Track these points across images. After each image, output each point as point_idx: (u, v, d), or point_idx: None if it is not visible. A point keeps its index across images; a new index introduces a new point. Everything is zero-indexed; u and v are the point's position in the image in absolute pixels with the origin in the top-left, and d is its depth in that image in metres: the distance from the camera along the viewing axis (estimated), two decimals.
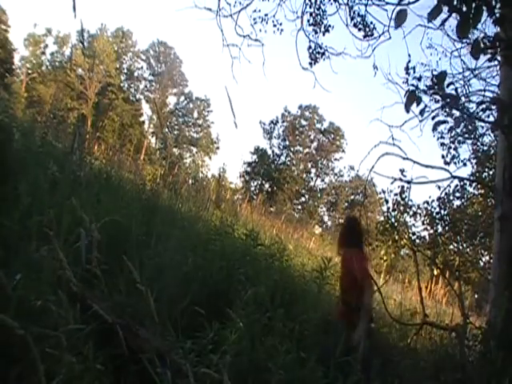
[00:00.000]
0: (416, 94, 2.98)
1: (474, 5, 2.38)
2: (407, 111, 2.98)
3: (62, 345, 2.16)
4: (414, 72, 5.11)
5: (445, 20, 2.64)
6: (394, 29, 2.51)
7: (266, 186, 49.96)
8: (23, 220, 3.06)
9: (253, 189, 45.58)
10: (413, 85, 4.20)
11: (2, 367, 2.02)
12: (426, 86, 3.71)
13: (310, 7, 8.23)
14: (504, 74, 4.21)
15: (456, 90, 3.96)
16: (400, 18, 2.53)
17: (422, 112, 3.16)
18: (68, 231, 2.91)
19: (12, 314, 2.11)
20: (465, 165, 9.27)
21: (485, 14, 2.52)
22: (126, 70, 54.81)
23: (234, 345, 2.91)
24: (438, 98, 3.74)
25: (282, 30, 8.77)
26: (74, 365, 2.19)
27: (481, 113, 4.48)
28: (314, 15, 8.28)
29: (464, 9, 2.39)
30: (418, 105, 3.02)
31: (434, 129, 3.47)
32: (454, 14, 2.49)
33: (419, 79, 4.54)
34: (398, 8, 2.66)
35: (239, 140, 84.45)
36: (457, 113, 3.81)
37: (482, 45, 2.81)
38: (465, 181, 8.84)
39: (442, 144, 8.97)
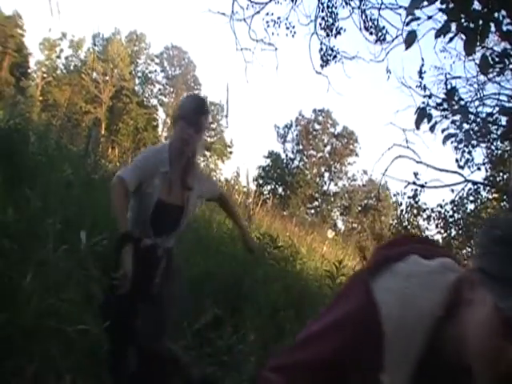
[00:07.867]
0: (426, 110, 3.00)
1: (481, 22, 2.37)
2: (417, 128, 3.00)
3: (76, 343, 2.19)
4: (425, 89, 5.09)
5: (452, 38, 2.65)
6: (404, 50, 2.50)
7: (280, 189, 49.93)
8: (39, 221, 3.10)
9: (266, 192, 45.53)
10: (423, 102, 4.20)
11: (19, 364, 2.05)
12: (437, 103, 3.73)
13: (323, 11, 8.22)
14: None
15: (466, 104, 3.95)
16: (409, 40, 2.54)
17: (432, 128, 3.18)
18: (88, 232, 2.95)
19: (27, 311, 2.14)
20: (479, 169, 9.18)
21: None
22: (140, 74, 55.14)
23: (247, 348, 2.93)
24: (448, 114, 3.76)
25: (294, 32, 8.71)
26: (85, 363, 2.22)
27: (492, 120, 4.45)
28: (326, 19, 8.26)
29: (471, 25, 2.38)
30: (428, 121, 3.04)
31: (444, 142, 3.46)
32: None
33: (430, 96, 4.55)
34: (409, 18, 2.66)
35: (253, 144, 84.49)
36: (466, 126, 3.82)
37: (490, 60, 2.80)
38: (479, 185, 8.76)
39: (456, 148, 8.90)
